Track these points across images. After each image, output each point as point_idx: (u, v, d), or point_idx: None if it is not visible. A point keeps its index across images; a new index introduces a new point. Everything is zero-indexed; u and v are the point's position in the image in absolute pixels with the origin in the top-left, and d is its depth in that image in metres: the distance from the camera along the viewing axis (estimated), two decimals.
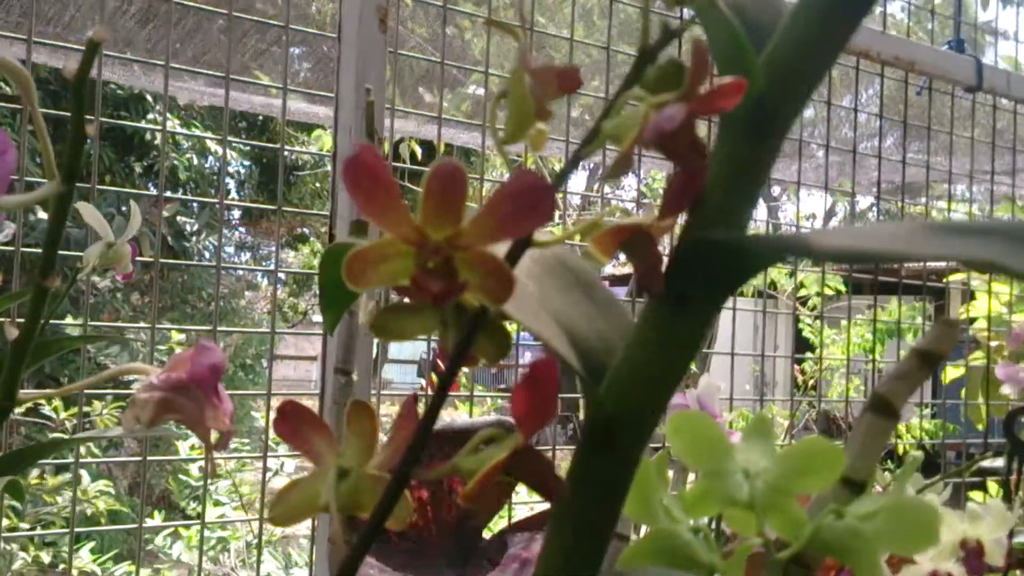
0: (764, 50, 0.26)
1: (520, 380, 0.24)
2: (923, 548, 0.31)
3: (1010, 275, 0.22)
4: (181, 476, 2.84)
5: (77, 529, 1.09)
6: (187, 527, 2.68)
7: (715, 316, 0.28)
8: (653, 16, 0.23)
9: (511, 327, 0.26)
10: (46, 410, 2.81)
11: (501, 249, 0.23)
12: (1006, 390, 1.02)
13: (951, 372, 1.89)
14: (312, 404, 1.20)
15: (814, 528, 0.32)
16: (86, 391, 0.90)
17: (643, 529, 0.35)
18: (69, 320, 2.33)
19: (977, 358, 1.78)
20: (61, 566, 2.73)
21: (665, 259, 0.26)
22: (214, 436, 0.38)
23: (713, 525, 0.48)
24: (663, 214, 0.25)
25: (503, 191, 0.22)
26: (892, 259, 0.27)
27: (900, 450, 2.01)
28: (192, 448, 2.85)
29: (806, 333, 3.77)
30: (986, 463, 1.03)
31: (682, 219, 0.27)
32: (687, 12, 0.26)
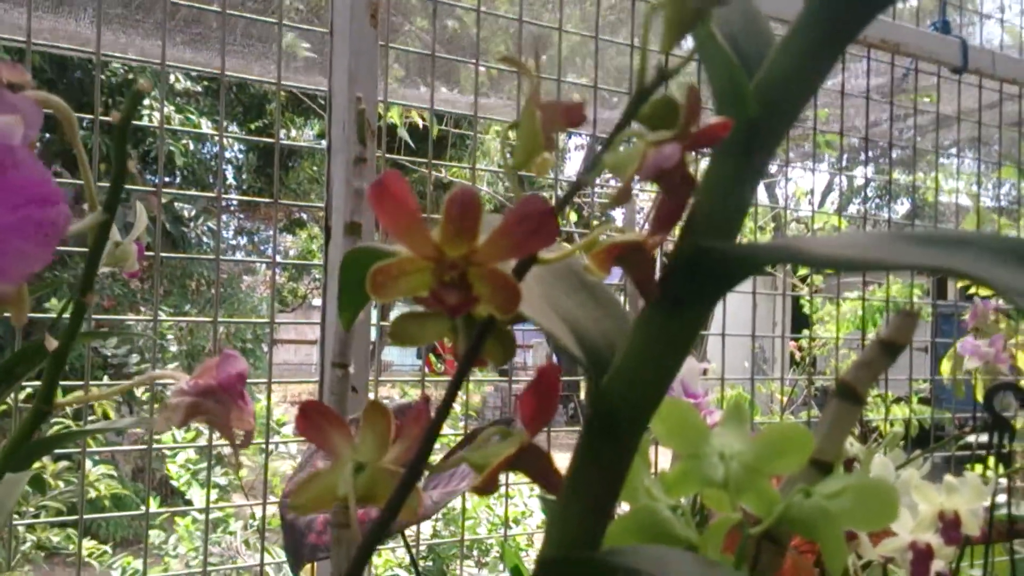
0: (755, 77, 0.28)
1: (527, 386, 0.27)
2: (883, 524, 0.34)
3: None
4: (181, 461, 2.87)
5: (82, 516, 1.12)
6: (184, 515, 2.71)
7: (708, 316, 0.31)
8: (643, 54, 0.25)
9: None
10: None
11: (509, 265, 0.25)
12: (971, 364, 1.04)
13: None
14: (312, 389, 1.21)
15: (784, 506, 0.35)
16: (84, 378, 0.92)
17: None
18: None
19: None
20: (71, 546, 2.76)
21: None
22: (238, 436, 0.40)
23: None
24: (653, 232, 0.27)
25: (512, 215, 0.24)
26: (874, 267, 0.29)
27: (894, 427, 2.03)
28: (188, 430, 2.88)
29: (806, 309, 3.77)
30: (972, 438, 1.05)
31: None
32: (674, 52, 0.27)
